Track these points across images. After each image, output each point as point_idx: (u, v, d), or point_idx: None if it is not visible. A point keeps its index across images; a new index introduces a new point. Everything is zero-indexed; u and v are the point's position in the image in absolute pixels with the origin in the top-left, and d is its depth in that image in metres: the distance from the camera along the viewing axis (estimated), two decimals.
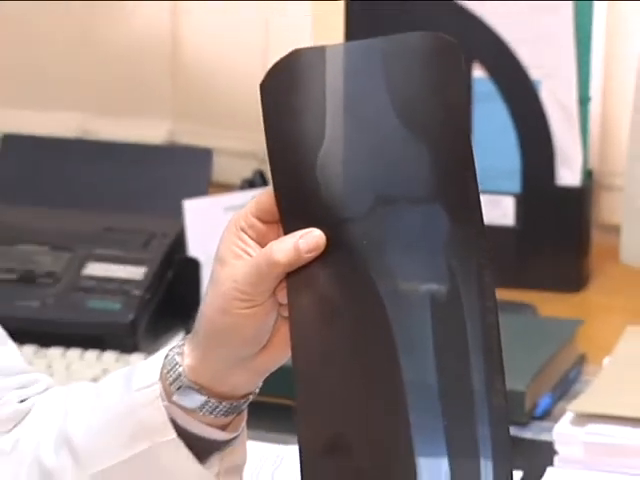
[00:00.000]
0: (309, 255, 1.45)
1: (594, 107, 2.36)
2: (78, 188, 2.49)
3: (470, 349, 1.46)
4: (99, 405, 1.62)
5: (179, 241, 2.33)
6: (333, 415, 1.50)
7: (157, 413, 1.56)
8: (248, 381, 1.55)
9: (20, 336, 2.19)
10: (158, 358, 1.58)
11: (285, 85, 1.52)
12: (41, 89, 2.63)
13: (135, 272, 2.33)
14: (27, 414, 1.68)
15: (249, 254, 1.48)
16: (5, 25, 2.65)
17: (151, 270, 2.32)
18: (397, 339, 1.45)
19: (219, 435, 1.58)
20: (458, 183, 1.50)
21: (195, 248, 2.32)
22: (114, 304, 2.30)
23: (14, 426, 1.67)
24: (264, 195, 1.48)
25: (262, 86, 1.50)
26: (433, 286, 1.45)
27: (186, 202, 2.32)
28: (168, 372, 1.55)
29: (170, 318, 2.34)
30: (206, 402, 1.55)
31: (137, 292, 2.31)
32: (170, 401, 1.54)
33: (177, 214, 2.33)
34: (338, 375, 1.49)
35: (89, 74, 2.61)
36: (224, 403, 1.56)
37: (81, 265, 2.33)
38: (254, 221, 1.48)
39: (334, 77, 1.53)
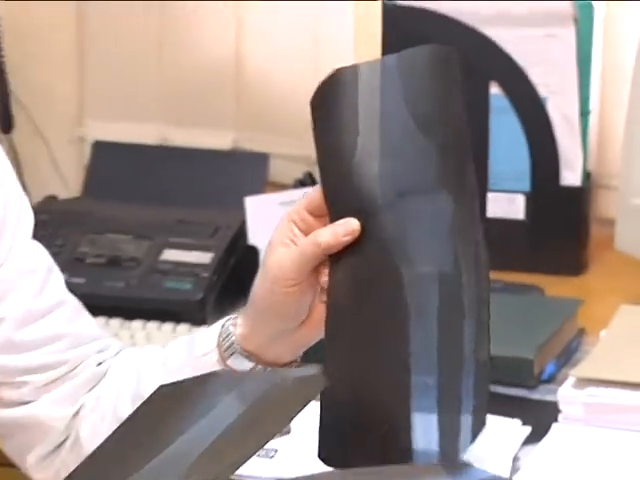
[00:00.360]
0: (345, 239, 1.45)
1: (593, 119, 2.36)
2: (157, 186, 2.52)
3: (465, 319, 1.46)
4: (167, 369, 1.63)
5: (241, 232, 2.34)
6: (351, 376, 1.48)
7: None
8: (289, 351, 1.55)
9: (108, 311, 2.26)
10: (215, 328, 1.59)
11: (327, 101, 1.53)
12: (128, 103, 2.62)
13: (204, 257, 2.34)
14: (104, 375, 1.67)
15: (295, 243, 1.49)
16: (99, 50, 2.64)
17: (217, 256, 2.33)
18: (410, 315, 1.45)
19: None
20: (459, 173, 1.51)
21: (254, 238, 2.32)
22: (186, 284, 2.31)
23: (93, 387, 1.66)
24: (314, 192, 1.49)
25: (311, 103, 1.51)
26: (442, 269, 1.45)
27: (247, 199, 2.33)
28: (223, 340, 1.57)
29: (233, 296, 2.32)
30: (254, 367, 1.56)
31: (205, 274, 2.32)
32: (225, 365, 1.56)
33: (239, 209, 2.34)
34: (359, 347, 1.48)
35: (167, 91, 2.60)
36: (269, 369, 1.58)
37: (159, 251, 2.35)
38: (305, 214, 1.50)
39: (364, 92, 1.52)
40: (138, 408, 1.40)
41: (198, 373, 1.48)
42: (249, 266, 2.27)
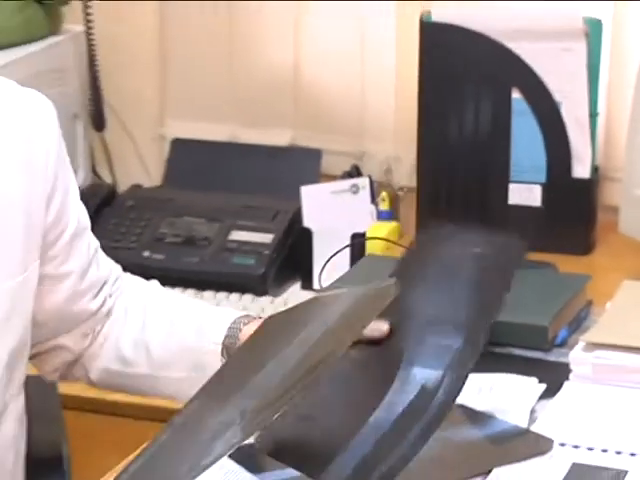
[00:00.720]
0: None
1: (600, 120, 2.35)
2: (226, 177, 2.52)
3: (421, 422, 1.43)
4: (174, 332, 1.65)
5: (297, 216, 2.35)
6: None
7: (217, 361, 1.59)
8: None
9: (184, 283, 2.29)
10: (225, 320, 1.63)
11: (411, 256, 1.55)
12: (202, 106, 2.63)
13: (265, 238, 2.34)
14: (109, 314, 1.68)
15: None
16: (178, 60, 2.65)
17: (277, 236, 2.34)
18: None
19: None
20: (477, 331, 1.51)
21: (308, 221, 2.32)
22: (250, 260, 2.32)
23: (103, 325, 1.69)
24: None
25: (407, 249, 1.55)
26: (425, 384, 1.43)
27: (302, 188, 2.34)
28: (231, 329, 1.61)
29: (290, 271, 2.35)
30: None
31: (266, 252, 2.32)
32: (223, 353, 1.60)
33: (296, 196, 2.35)
34: None
35: (236, 95, 2.60)
36: None
37: (227, 232, 2.36)
38: None
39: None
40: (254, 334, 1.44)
41: (203, 353, 1.61)
42: (303, 245, 2.32)
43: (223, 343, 1.59)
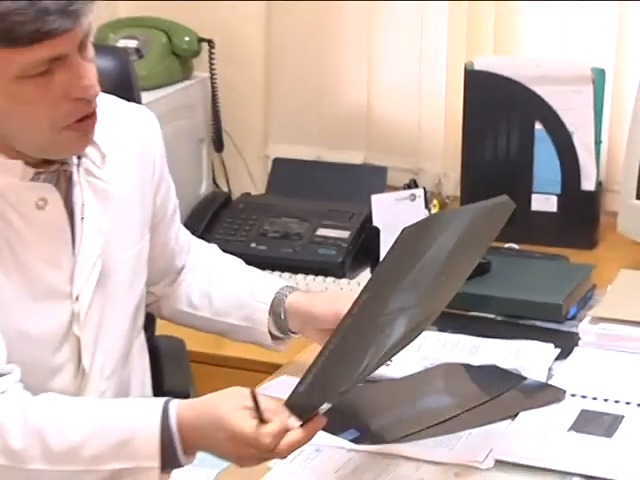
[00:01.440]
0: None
1: (603, 146, 2.34)
2: (314, 187, 2.50)
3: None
4: (232, 288, 1.65)
5: (368, 217, 2.32)
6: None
7: (264, 318, 1.60)
8: (306, 336, 1.60)
9: (281, 268, 2.29)
10: (273, 287, 1.62)
11: (408, 235, 1.37)
12: (296, 132, 2.62)
13: (344, 234, 2.33)
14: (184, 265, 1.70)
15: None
16: (279, 98, 2.64)
17: (352, 233, 2.33)
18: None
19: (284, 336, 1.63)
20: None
21: (377, 222, 2.29)
22: (332, 251, 2.31)
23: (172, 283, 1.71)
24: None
25: (402, 229, 1.38)
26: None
27: (372, 196, 2.31)
28: (278, 294, 1.61)
29: (362, 259, 2.33)
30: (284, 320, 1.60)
31: (344, 245, 2.32)
32: (272, 312, 1.61)
33: (367, 203, 2.31)
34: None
35: (322, 124, 2.59)
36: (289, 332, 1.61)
37: (315, 229, 2.35)
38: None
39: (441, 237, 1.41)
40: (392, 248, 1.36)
41: (254, 310, 1.60)
42: (372, 240, 2.28)
43: (270, 304, 1.59)
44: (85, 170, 1.49)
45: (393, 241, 1.37)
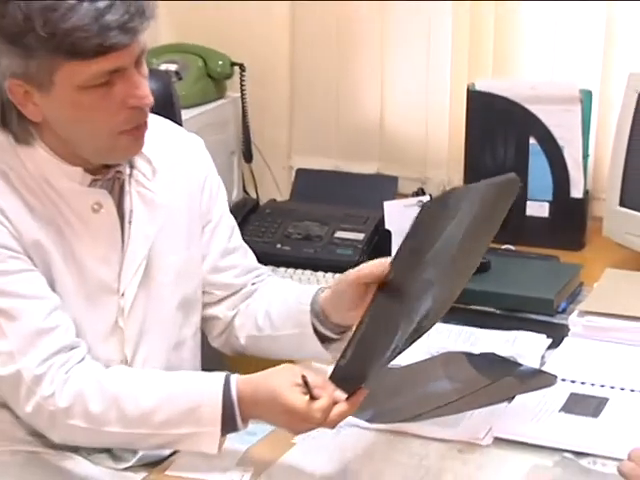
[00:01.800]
0: (378, 273, 1.44)
1: (590, 159, 2.33)
2: (332, 194, 2.49)
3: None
4: (284, 302, 1.60)
5: (381, 221, 2.31)
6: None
7: (307, 319, 1.55)
8: (341, 321, 1.53)
9: (303, 266, 2.28)
10: (312, 290, 1.58)
11: (428, 211, 1.40)
12: (317, 145, 2.61)
13: (359, 236, 2.32)
14: (253, 293, 1.64)
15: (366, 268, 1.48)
16: (301, 113, 2.62)
17: (367, 235, 2.32)
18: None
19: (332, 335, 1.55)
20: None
21: (389, 225, 2.28)
22: (348, 251, 2.30)
23: (246, 299, 1.64)
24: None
25: (422, 205, 1.42)
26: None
27: (385, 202, 2.30)
28: (315, 295, 1.56)
29: (375, 259, 2.30)
30: (324, 320, 1.54)
31: (360, 246, 2.30)
32: (313, 313, 1.54)
33: (380, 208, 2.30)
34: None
35: (339, 137, 2.59)
36: (332, 324, 1.53)
37: (333, 232, 2.33)
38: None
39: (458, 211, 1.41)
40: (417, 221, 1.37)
41: (300, 313, 1.55)
42: (385, 241, 2.27)
43: (311, 305, 1.57)
44: (136, 181, 1.51)
45: (415, 216, 1.38)
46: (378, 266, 1.45)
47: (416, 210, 2.23)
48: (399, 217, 2.29)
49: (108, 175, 1.48)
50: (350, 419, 1.45)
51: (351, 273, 1.48)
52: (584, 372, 1.65)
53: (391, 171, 2.52)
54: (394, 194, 2.44)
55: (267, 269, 1.72)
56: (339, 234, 2.34)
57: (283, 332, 1.59)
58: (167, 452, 1.48)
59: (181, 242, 1.57)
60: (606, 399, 1.57)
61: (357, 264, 2.22)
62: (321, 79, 2.56)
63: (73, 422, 1.38)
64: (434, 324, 1.37)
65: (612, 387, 1.61)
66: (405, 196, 2.41)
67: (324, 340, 1.56)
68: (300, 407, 1.33)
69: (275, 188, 2.66)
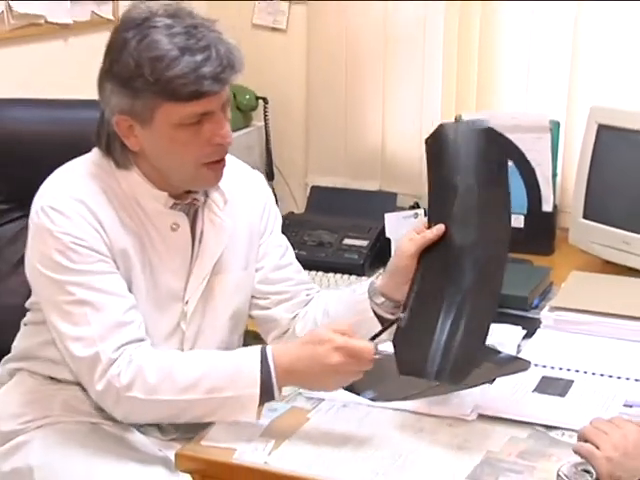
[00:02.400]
0: (434, 234, 1.43)
1: (558, 179, 2.31)
2: (342, 208, 2.47)
3: None
4: (339, 298, 1.60)
5: (382, 230, 2.27)
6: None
7: (367, 305, 1.54)
8: (400, 295, 1.50)
9: (316, 268, 2.26)
10: (367, 282, 1.57)
11: (436, 147, 1.38)
12: (328, 165, 2.60)
13: (364, 242, 2.31)
14: (309, 301, 1.63)
15: (413, 239, 1.47)
16: (317, 136, 2.61)
17: (370, 242, 2.31)
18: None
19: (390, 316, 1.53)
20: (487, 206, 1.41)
21: (389, 234, 2.25)
22: (355, 256, 2.29)
23: (304, 306, 1.61)
24: (422, 218, 1.50)
25: (426, 142, 1.40)
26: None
27: (386, 214, 2.27)
28: (371, 287, 1.55)
29: (377, 262, 2.29)
30: (384, 301, 1.54)
31: (364, 251, 2.29)
32: (371, 301, 1.54)
33: (382, 219, 2.27)
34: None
35: (347, 160, 2.57)
36: (392, 302, 1.53)
37: (342, 239, 2.33)
38: (421, 226, 1.48)
39: (462, 147, 1.41)
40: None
41: (358, 303, 1.52)
42: (385, 248, 2.25)
43: (368, 292, 1.55)
44: (208, 208, 1.52)
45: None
46: (423, 229, 1.45)
47: (412, 221, 2.29)
48: (398, 227, 2.28)
49: (187, 200, 1.50)
50: (355, 398, 1.45)
51: (407, 248, 1.46)
52: (554, 358, 1.64)
53: (391, 188, 2.51)
54: (393, 207, 2.43)
55: (317, 286, 1.71)
56: (347, 241, 2.33)
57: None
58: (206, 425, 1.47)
59: (240, 262, 1.57)
60: (572, 381, 1.56)
61: (362, 267, 2.31)
62: (332, 111, 2.56)
63: (133, 394, 1.38)
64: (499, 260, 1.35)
65: (577, 371, 1.60)
66: (403, 209, 2.40)
67: (383, 322, 1.54)
68: (339, 357, 1.34)
69: (293, 202, 2.66)
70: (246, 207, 1.59)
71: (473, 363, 1.35)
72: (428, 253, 1.44)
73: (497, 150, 1.40)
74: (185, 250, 1.51)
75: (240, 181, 1.60)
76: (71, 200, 1.42)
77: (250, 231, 1.60)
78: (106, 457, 1.46)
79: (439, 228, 1.43)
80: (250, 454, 1.36)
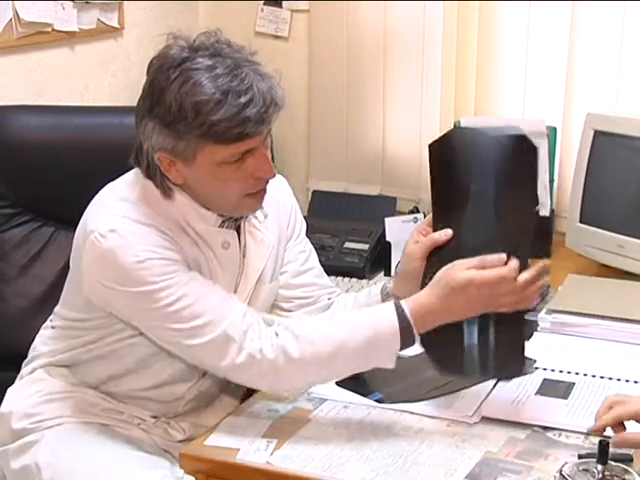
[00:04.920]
0: (444, 238, 1.41)
1: (555, 184, 2.30)
2: (343, 212, 2.47)
3: None
4: (357, 302, 1.59)
5: (382, 234, 2.30)
6: None
7: (383, 305, 1.50)
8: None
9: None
10: (379, 285, 1.57)
11: (444, 151, 1.35)
12: (329, 171, 2.58)
13: (364, 246, 2.30)
14: (330, 305, 1.62)
15: (419, 242, 1.45)
16: (318, 144, 2.59)
17: (371, 245, 2.30)
18: None
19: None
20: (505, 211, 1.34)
21: (389, 237, 2.27)
22: (355, 259, 2.28)
23: (325, 310, 1.60)
24: (427, 218, 1.47)
25: (430, 146, 1.37)
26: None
27: (386, 219, 2.30)
28: (383, 290, 1.55)
29: (378, 265, 2.29)
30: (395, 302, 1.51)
31: (365, 255, 2.28)
32: (383, 302, 1.51)
33: (382, 223, 2.30)
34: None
35: (348, 165, 2.55)
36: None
37: (343, 243, 2.32)
38: (425, 227, 1.46)
39: (473, 153, 1.37)
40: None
41: (371, 304, 1.51)
42: (386, 251, 2.27)
43: (380, 293, 1.55)
44: (249, 222, 1.51)
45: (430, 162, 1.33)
46: (428, 230, 1.43)
47: (412, 225, 2.29)
48: (398, 231, 2.28)
49: (233, 218, 1.49)
50: (363, 400, 1.45)
51: (414, 252, 1.44)
52: (554, 361, 1.63)
53: (391, 193, 2.50)
54: (393, 212, 2.42)
55: (338, 289, 1.70)
56: (347, 245, 2.32)
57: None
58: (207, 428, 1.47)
59: (271, 273, 1.57)
60: (572, 384, 1.55)
61: (362, 270, 2.29)
62: (333, 117, 2.55)
63: (279, 367, 1.36)
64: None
65: (577, 373, 1.59)
66: (403, 214, 2.39)
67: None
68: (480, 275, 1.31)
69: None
70: (275, 216, 1.58)
71: (516, 353, 1.34)
72: (437, 254, 1.41)
73: (528, 156, 1.35)
74: (235, 266, 1.50)
75: (270, 190, 1.56)
76: (134, 222, 1.39)
77: (279, 240, 1.59)
78: (113, 458, 1.46)
79: (447, 233, 1.41)
80: (253, 454, 1.36)
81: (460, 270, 1.35)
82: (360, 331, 1.37)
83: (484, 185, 1.34)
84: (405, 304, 1.38)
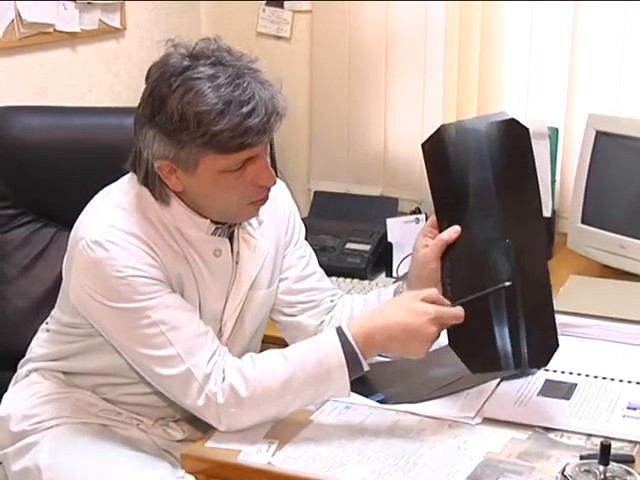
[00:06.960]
0: (454, 236, 1.40)
1: (557, 185, 2.30)
2: (344, 212, 2.47)
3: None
4: (367, 305, 1.58)
5: (384, 235, 2.30)
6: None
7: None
8: None
9: (324, 272, 2.16)
10: (392, 288, 1.55)
11: (436, 150, 1.33)
12: (331, 171, 2.58)
13: (366, 247, 2.30)
14: (334, 307, 1.62)
15: (428, 245, 1.44)
16: (319, 147, 2.58)
17: (372, 246, 2.30)
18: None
19: None
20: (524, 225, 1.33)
21: (391, 238, 2.27)
22: (357, 260, 2.28)
23: (329, 312, 1.61)
24: (432, 217, 1.45)
25: (423, 146, 1.35)
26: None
27: (387, 219, 2.30)
28: (396, 292, 1.53)
29: (379, 266, 2.30)
30: None
31: (366, 255, 2.28)
32: None
33: (384, 224, 2.30)
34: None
35: (350, 165, 2.56)
36: None
37: (344, 243, 2.32)
38: (430, 229, 1.45)
39: (465, 145, 1.35)
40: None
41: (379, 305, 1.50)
42: (387, 252, 2.27)
43: (393, 296, 1.54)
44: (243, 228, 1.50)
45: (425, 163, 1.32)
46: (434, 231, 1.42)
47: (414, 226, 2.29)
48: (399, 232, 2.28)
49: (225, 225, 1.48)
50: (365, 400, 1.44)
51: (427, 255, 1.43)
52: (556, 362, 1.60)
53: (392, 193, 2.50)
54: (395, 212, 2.42)
55: (340, 291, 1.70)
56: (349, 245, 2.32)
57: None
58: (207, 428, 1.46)
59: (268, 279, 1.56)
60: (575, 384, 1.54)
61: (364, 271, 2.29)
62: (334, 117, 2.55)
63: (232, 410, 1.36)
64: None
65: (579, 374, 1.58)
66: (404, 214, 2.39)
67: None
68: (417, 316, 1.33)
69: (296, 207, 2.62)
70: (273, 222, 1.57)
71: (549, 342, 1.33)
72: (450, 252, 1.40)
73: (519, 138, 1.34)
74: (227, 274, 1.49)
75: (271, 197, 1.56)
76: (123, 233, 1.38)
77: (277, 246, 1.58)
78: (113, 458, 1.45)
79: (456, 230, 1.40)
80: (254, 455, 1.36)
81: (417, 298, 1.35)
82: (307, 363, 1.37)
83: (482, 175, 1.33)
84: (348, 329, 1.37)
